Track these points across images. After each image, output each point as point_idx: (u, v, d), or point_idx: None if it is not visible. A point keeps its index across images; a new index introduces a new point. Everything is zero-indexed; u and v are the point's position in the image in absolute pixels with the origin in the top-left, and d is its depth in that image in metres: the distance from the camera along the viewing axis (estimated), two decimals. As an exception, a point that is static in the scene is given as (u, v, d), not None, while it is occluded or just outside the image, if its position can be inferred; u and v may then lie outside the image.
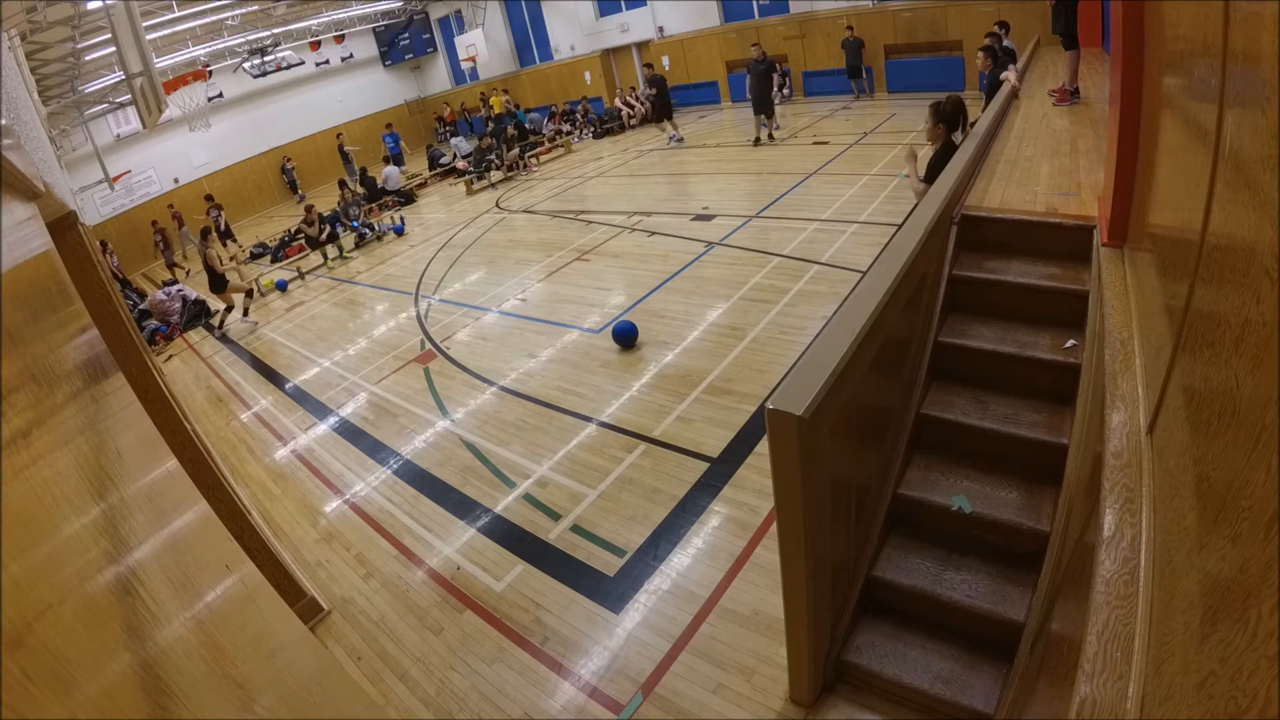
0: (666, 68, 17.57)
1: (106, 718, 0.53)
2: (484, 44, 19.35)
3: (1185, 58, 1.62)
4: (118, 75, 12.64)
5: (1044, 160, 4.68)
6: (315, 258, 11.57)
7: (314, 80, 20.15)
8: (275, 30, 17.29)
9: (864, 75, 14.08)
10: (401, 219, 12.79)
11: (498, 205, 12.63)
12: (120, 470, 1.08)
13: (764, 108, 11.97)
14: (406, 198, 14.57)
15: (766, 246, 7.55)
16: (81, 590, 0.63)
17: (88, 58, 12.45)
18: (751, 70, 11.78)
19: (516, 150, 15.04)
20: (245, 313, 9.48)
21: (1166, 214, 1.87)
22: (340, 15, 19.17)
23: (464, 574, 3.82)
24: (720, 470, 4.15)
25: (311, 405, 6.48)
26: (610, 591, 3.45)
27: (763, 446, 3.74)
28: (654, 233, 8.93)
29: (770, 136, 12.31)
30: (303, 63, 18.87)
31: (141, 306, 10.55)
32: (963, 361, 3.42)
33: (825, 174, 9.78)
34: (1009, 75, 6.39)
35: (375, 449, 5.37)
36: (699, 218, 9.10)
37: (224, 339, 9.14)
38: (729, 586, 3.31)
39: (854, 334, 2.24)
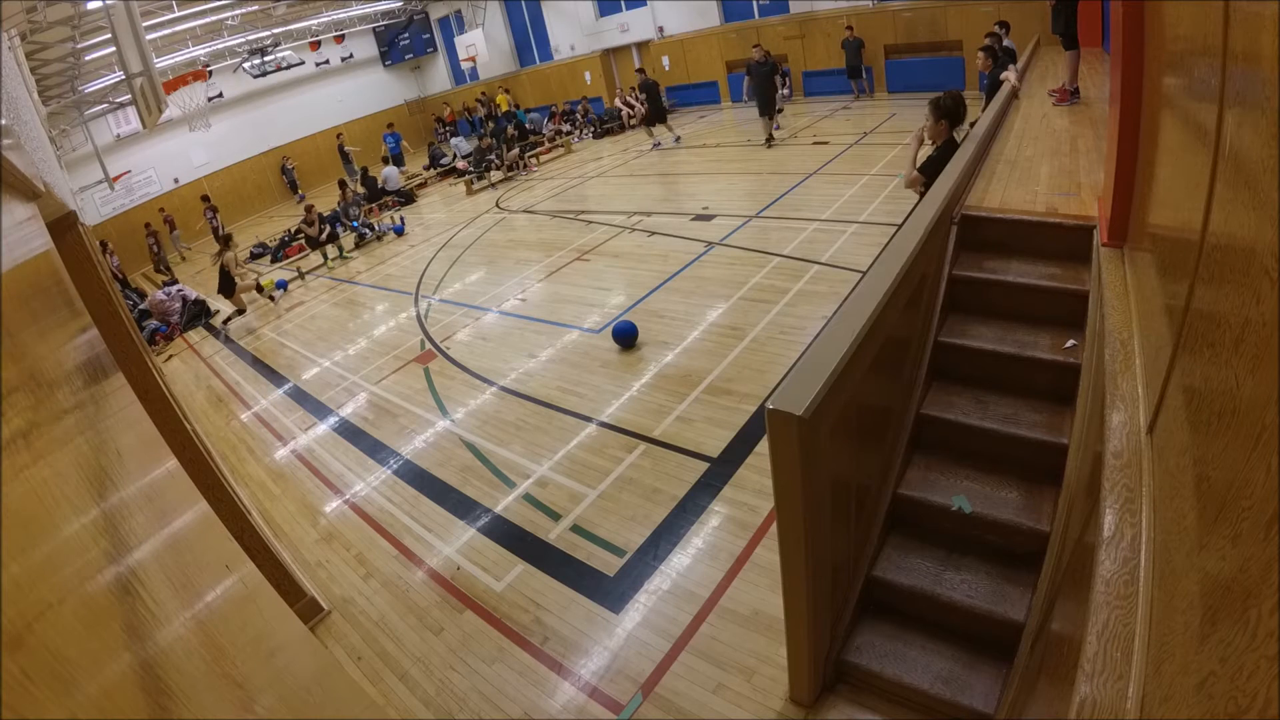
0: (666, 68, 17.58)
1: (106, 718, 0.53)
2: (484, 44, 19.35)
3: (1185, 58, 1.62)
4: (118, 75, 12.64)
5: (1044, 160, 4.68)
6: (315, 258, 11.59)
7: (314, 80, 20.15)
8: (275, 30, 17.30)
9: (864, 75, 14.08)
10: (401, 219, 12.80)
11: (498, 205, 12.64)
12: (120, 470, 1.08)
13: (768, 109, 11.96)
14: (406, 198, 14.57)
15: (766, 246, 7.54)
16: (81, 590, 0.63)
17: (88, 58, 12.45)
18: (754, 71, 11.73)
19: (516, 150, 15.05)
20: (242, 311, 9.57)
21: (1166, 214, 1.87)
22: (340, 15, 19.17)
23: (464, 574, 3.82)
24: (720, 470, 4.15)
25: (311, 405, 6.48)
26: (610, 591, 3.45)
27: (763, 446, 3.74)
28: (654, 233, 8.93)
29: (770, 137, 12.31)
30: (303, 63, 18.88)
31: (141, 306, 10.56)
32: (963, 361, 3.42)
33: (825, 174, 9.78)
34: (1009, 75, 6.39)
35: (375, 449, 5.37)
36: (699, 218, 9.10)
37: (226, 340, 9.16)
38: (729, 586, 3.31)
39: (854, 334, 2.24)
